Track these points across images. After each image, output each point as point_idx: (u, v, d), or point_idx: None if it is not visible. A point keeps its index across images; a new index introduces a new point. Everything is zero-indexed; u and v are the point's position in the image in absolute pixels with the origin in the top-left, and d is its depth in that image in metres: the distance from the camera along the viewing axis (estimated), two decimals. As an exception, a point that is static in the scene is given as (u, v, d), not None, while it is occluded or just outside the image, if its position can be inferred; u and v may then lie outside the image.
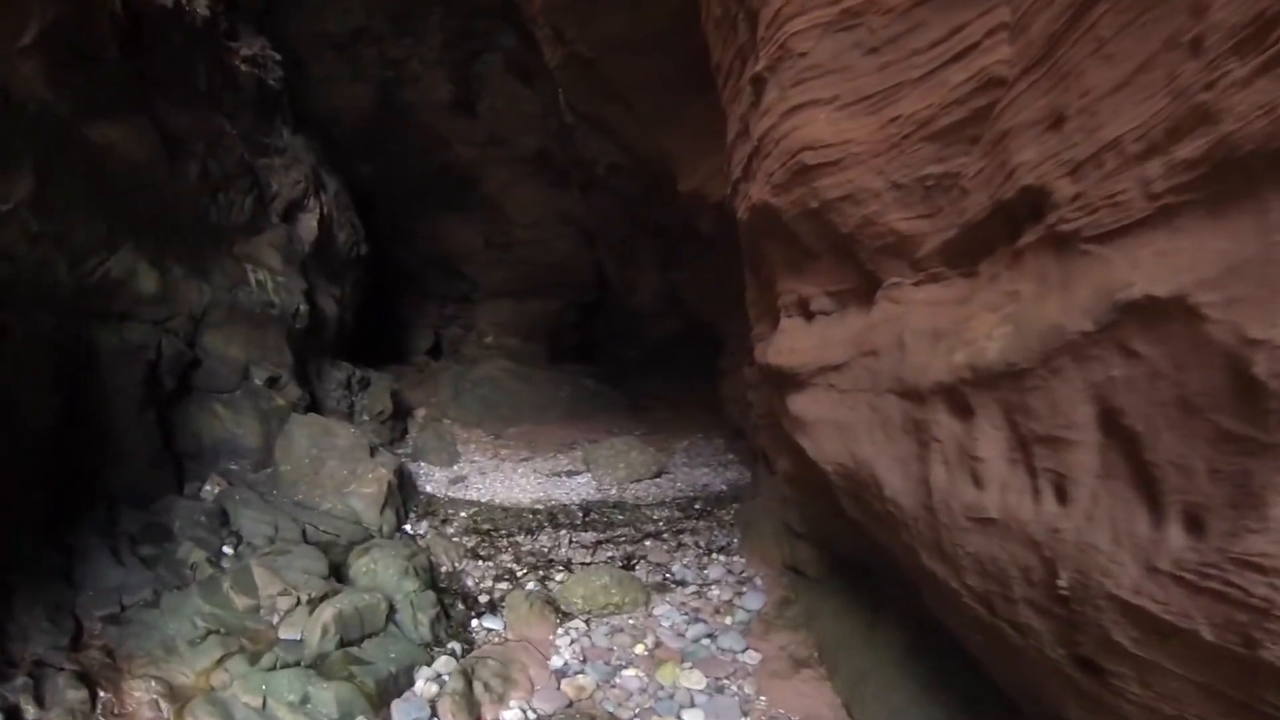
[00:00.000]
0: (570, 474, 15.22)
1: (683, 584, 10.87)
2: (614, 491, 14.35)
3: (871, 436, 5.60)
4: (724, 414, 16.37)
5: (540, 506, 13.60)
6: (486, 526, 12.70)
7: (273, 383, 13.80)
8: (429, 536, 11.99)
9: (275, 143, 15.02)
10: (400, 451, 15.97)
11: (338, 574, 10.01)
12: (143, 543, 10.43)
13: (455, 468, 15.57)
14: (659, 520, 13.02)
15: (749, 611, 10.07)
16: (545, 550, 11.90)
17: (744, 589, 10.66)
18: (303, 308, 14.76)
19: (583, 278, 22.46)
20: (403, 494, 12.94)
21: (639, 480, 14.73)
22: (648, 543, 12.14)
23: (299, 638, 8.60)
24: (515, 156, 20.09)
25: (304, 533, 11.09)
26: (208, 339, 13.09)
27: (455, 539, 12.15)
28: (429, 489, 14.26)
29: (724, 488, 14.33)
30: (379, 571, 9.90)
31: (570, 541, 12.18)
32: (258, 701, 7.57)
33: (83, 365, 11.11)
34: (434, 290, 23.34)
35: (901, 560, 5.79)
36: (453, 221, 21.65)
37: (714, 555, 11.70)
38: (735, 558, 11.60)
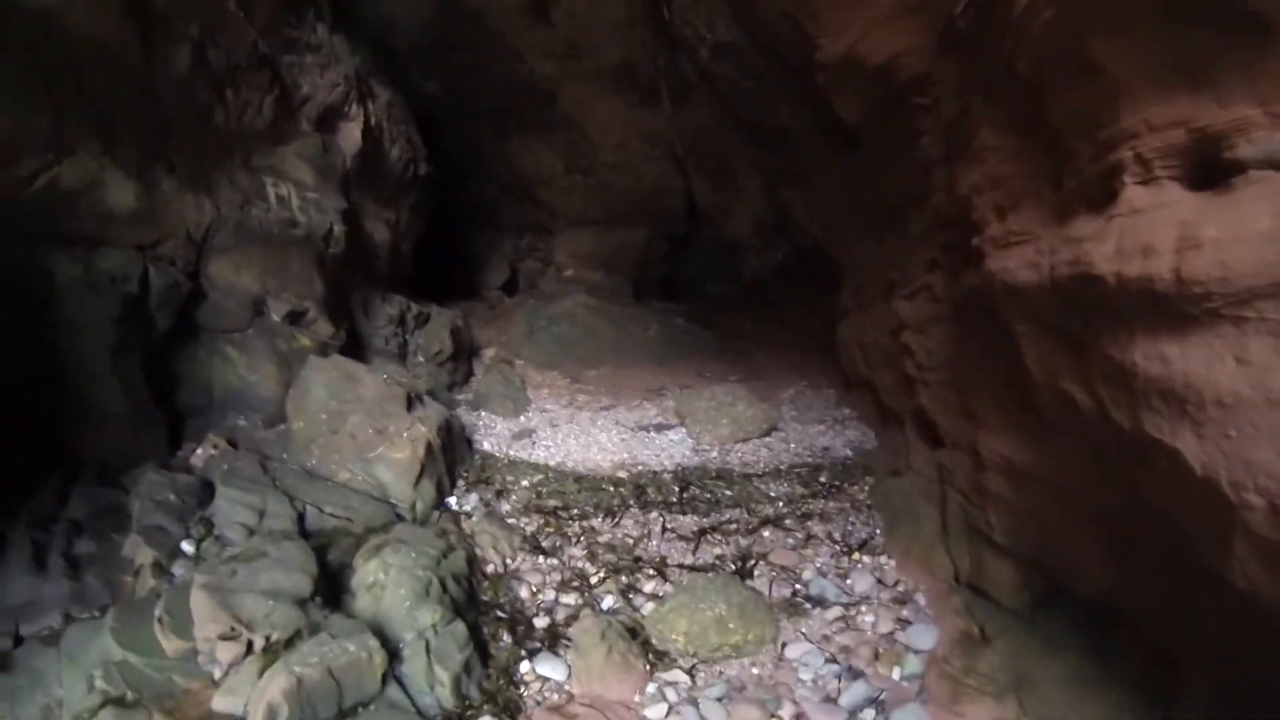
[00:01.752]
0: (660, 428, 11.25)
1: (821, 603, 7.01)
2: (715, 454, 10.34)
3: None
4: (836, 360, 12.36)
5: (624, 474, 9.65)
6: (554, 503, 8.80)
7: (295, 318, 10.02)
8: (476, 518, 8.17)
9: (306, 37, 11.04)
10: (460, 398, 12.20)
11: (333, 588, 6.29)
12: (86, 534, 6.89)
13: (523, 418, 11.71)
14: (777, 499, 8.98)
15: (919, 653, 6.24)
16: (630, 543, 8.02)
17: (905, 612, 6.82)
18: (337, 229, 10.91)
19: (671, 206, 18.21)
20: (450, 456, 9.17)
21: (745, 440, 10.70)
22: (766, 533, 8.19)
23: (241, 714, 4.87)
24: (597, 70, 15.92)
25: (301, 517, 7.38)
26: (213, 267, 9.35)
27: (511, 520, 8.36)
28: (487, 446, 10.40)
29: (848, 453, 10.25)
30: (388, 588, 6.09)
31: (664, 529, 8.26)
32: None
33: (33, 303, 7.66)
34: (509, 220, 19.25)
35: None
36: (530, 144, 17.52)
37: (855, 555, 7.75)
38: (882, 559, 7.69)
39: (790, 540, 8.01)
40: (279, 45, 10.39)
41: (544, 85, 16.14)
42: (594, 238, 18.37)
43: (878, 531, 8.14)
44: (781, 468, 9.82)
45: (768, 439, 10.72)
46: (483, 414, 11.57)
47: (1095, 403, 3.98)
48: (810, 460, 10.03)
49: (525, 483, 9.27)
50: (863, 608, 6.89)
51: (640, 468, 9.85)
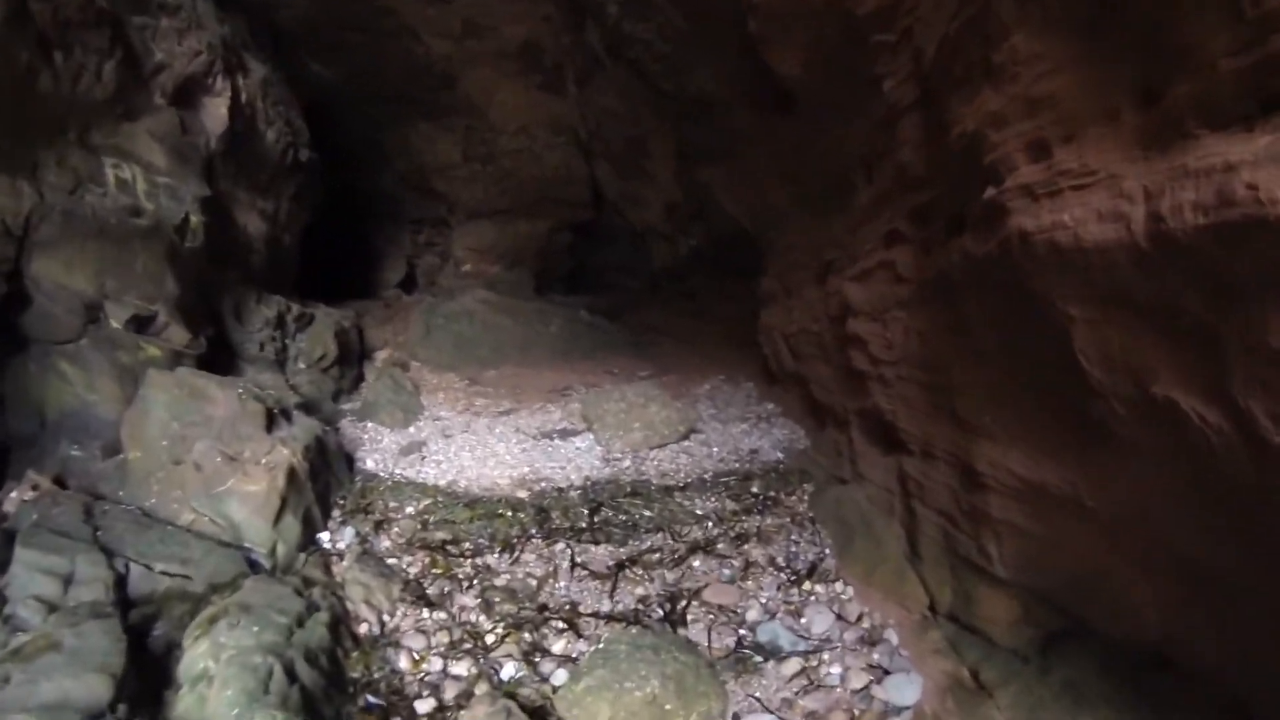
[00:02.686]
0: (565, 434, 9.48)
1: (774, 654, 5.42)
2: (628, 464, 8.59)
3: None
4: (756, 352, 10.87)
5: (524, 493, 7.83)
6: (442, 536, 6.92)
7: (142, 324, 8.06)
8: (349, 560, 6.35)
9: (159, -4, 9.08)
10: (347, 407, 10.31)
11: (153, 682, 4.53)
12: None
13: (412, 429, 9.82)
14: (705, 517, 7.23)
15: (903, 710, 4.79)
16: (533, 585, 6.24)
17: (876, 655, 5.31)
18: (195, 219, 8.94)
19: (576, 195, 16.29)
20: (323, 481, 7.36)
21: (662, 445, 8.95)
22: (696, 563, 6.49)
23: None
24: (498, 51, 13.95)
25: (122, 580, 5.47)
26: (38, 265, 7.34)
27: (392, 560, 6.57)
28: (370, 464, 8.53)
29: (779, 455, 8.63)
30: (215, 684, 4.31)
31: (574, 564, 6.50)
32: None
33: None
34: (408, 214, 17.20)
35: None
36: (427, 131, 15.47)
37: (806, 584, 6.16)
38: (838, 586, 6.14)
39: (726, 570, 6.34)
40: (124, 2, 8.40)
41: (441, 67, 14.14)
42: (494, 230, 16.46)
43: (827, 551, 6.58)
44: (706, 477, 8.15)
45: (687, 443, 9.04)
46: (369, 426, 9.72)
47: (1228, 420, 2.44)
48: (737, 466, 8.39)
49: (410, 510, 7.43)
50: (825, 655, 5.32)
51: (543, 484, 8.07)
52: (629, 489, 7.87)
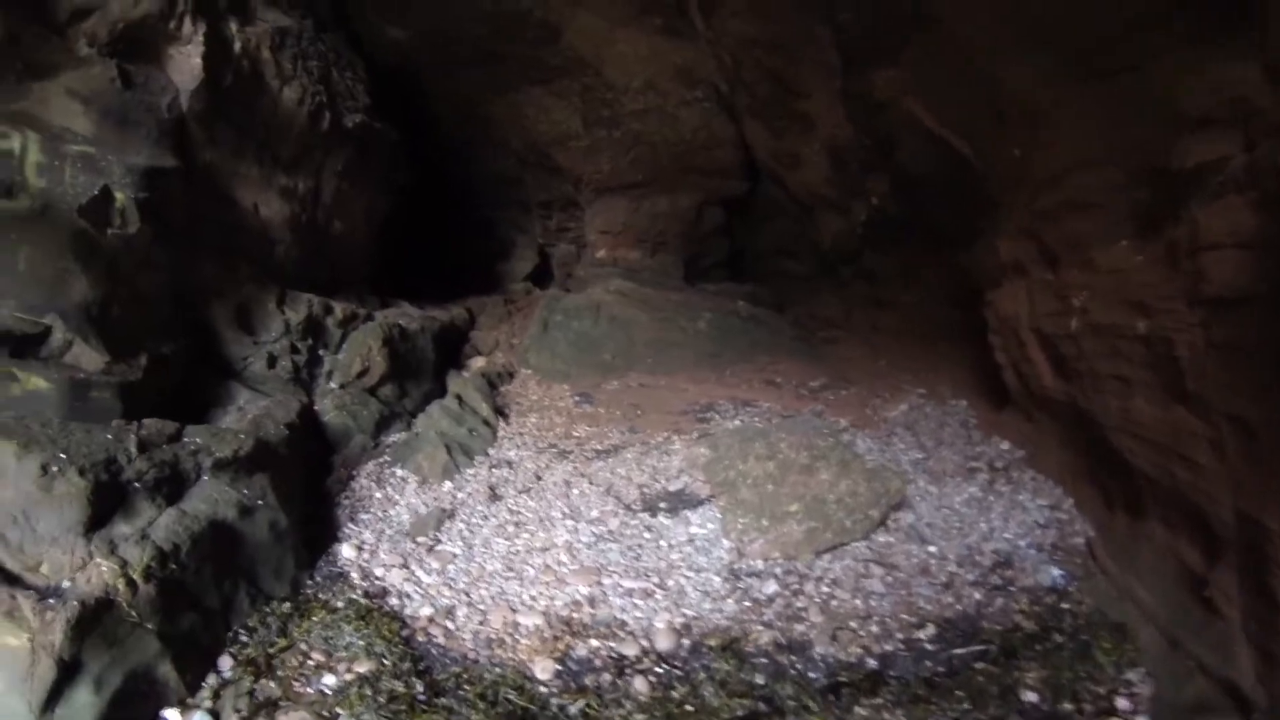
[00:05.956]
0: (675, 505, 5.09)
1: None
2: (771, 591, 4.06)
3: None
4: (962, 353, 6.75)
5: (548, 670, 3.56)
6: None
7: (22, 345, 4.48)
8: None
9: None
10: (392, 440, 6.46)
11: None
12: None
13: (449, 485, 5.78)
14: None
15: None
16: None
17: None
18: (121, 197, 5.12)
19: (722, 161, 11.40)
20: (214, 602, 3.55)
21: (838, 547, 4.37)
22: None
23: None
24: (608, -9, 9.77)
25: None
26: None
27: None
28: (348, 552, 4.53)
29: (1054, 573, 3.97)
30: None
31: None
32: None
33: None
34: (535, 195, 12.95)
35: None
36: (536, 97, 11.10)
37: None
38: None
39: None
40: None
41: (539, 15, 9.94)
42: (628, 207, 11.93)
43: None
44: (925, 644, 3.62)
45: (883, 537, 4.52)
46: (397, 474, 5.79)
47: None
48: (980, 599, 3.85)
49: (330, 681, 3.37)
50: None
51: (594, 645, 3.75)
52: (761, 682, 3.43)
